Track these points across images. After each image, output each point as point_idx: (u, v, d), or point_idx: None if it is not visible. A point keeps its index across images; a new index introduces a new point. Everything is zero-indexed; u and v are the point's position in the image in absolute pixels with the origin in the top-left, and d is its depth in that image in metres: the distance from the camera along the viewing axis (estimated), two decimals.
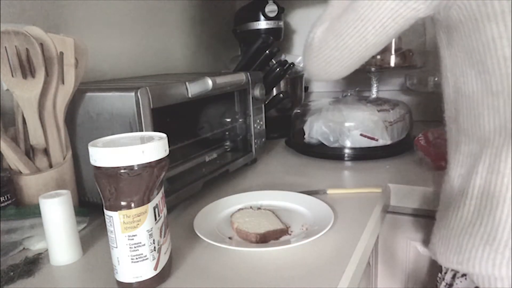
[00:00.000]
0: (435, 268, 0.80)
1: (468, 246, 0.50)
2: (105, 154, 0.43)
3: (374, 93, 1.30)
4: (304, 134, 1.03)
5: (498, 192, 0.47)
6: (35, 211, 0.58)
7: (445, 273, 0.58)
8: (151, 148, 0.44)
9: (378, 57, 1.17)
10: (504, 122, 0.48)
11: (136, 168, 0.43)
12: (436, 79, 1.21)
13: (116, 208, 0.44)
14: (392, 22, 0.53)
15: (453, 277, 0.56)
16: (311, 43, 0.64)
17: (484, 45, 0.47)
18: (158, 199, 0.47)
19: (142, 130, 0.61)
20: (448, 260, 0.53)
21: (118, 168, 0.42)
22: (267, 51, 1.06)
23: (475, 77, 0.50)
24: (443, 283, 0.59)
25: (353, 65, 0.61)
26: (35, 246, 0.59)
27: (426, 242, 0.79)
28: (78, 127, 0.68)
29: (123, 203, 0.44)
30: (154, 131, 0.59)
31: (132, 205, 0.44)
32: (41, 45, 0.61)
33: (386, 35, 0.55)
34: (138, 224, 0.44)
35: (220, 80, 0.77)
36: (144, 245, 0.45)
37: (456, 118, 0.55)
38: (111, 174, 0.43)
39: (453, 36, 0.51)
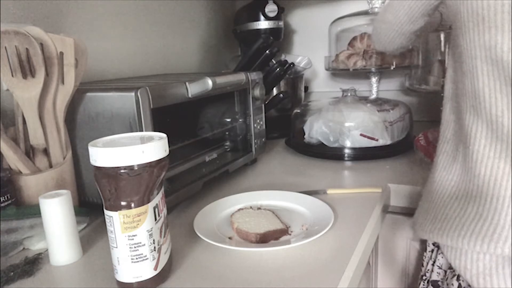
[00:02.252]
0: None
1: (442, 217, 0.54)
2: (105, 154, 0.42)
3: (374, 93, 1.30)
4: (304, 134, 1.03)
5: (474, 167, 0.51)
6: (35, 211, 0.58)
7: (431, 251, 0.62)
8: (151, 148, 0.44)
9: (377, 56, 1.17)
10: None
11: (136, 168, 0.43)
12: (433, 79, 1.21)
13: (116, 208, 0.44)
14: (418, 3, 0.65)
15: (436, 252, 0.61)
16: (377, 14, 0.80)
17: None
18: (158, 199, 0.47)
19: (142, 130, 0.61)
20: (423, 230, 0.57)
21: (118, 168, 0.42)
22: (267, 51, 1.06)
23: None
24: (427, 259, 0.63)
25: (395, 39, 0.74)
26: (35, 246, 0.59)
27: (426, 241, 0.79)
28: (78, 127, 0.68)
29: (123, 203, 0.44)
30: (154, 131, 0.59)
31: (132, 205, 0.44)
32: (41, 45, 0.61)
33: (413, 16, 0.68)
34: (138, 224, 0.44)
35: (220, 80, 0.77)
36: (144, 245, 0.45)
37: (455, 92, 0.57)
38: (111, 174, 0.43)
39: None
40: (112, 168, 0.42)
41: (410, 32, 0.72)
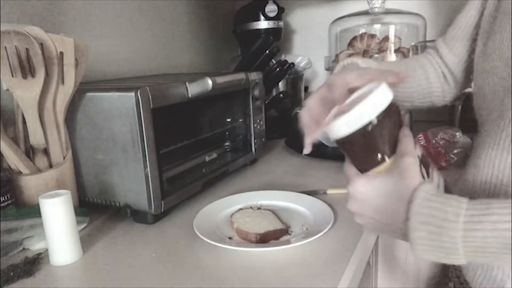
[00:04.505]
0: (435, 268, 0.80)
1: None
2: (357, 113, 0.39)
3: None
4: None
5: None
6: (35, 211, 0.58)
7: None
8: (379, 93, 0.39)
9: (377, 56, 1.17)
10: None
11: (382, 116, 0.39)
12: None
13: (375, 163, 0.41)
14: None
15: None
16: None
17: None
18: None
19: (142, 131, 0.61)
20: None
21: (369, 123, 0.39)
22: (267, 51, 1.06)
23: None
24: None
25: None
26: (35, 246, 0.59)
27: None
28: (78, 127, 0.68)
29: (378, 157, 0.41)
30: (154, 131, 0.59)
31: (386, 158, 0.41)
32: (41, 45, 0.61)
33: None
34: None
35: (220, 80, 0.77)
36: None
37: None
38: (363, 132, 0.39)
39: None
40: (365, 125, 0.39)
41: None
